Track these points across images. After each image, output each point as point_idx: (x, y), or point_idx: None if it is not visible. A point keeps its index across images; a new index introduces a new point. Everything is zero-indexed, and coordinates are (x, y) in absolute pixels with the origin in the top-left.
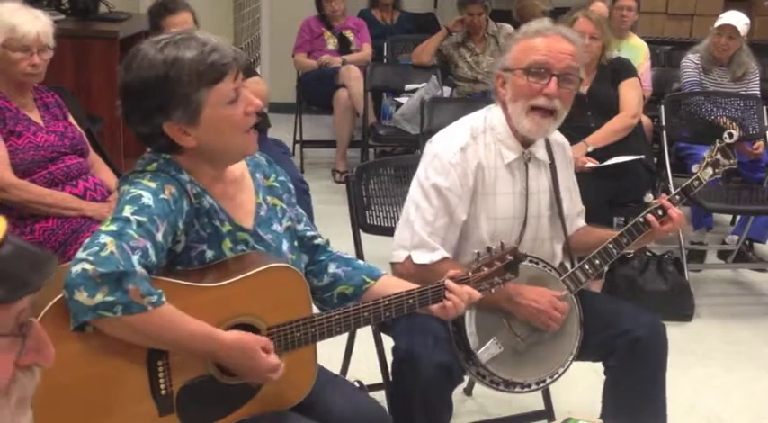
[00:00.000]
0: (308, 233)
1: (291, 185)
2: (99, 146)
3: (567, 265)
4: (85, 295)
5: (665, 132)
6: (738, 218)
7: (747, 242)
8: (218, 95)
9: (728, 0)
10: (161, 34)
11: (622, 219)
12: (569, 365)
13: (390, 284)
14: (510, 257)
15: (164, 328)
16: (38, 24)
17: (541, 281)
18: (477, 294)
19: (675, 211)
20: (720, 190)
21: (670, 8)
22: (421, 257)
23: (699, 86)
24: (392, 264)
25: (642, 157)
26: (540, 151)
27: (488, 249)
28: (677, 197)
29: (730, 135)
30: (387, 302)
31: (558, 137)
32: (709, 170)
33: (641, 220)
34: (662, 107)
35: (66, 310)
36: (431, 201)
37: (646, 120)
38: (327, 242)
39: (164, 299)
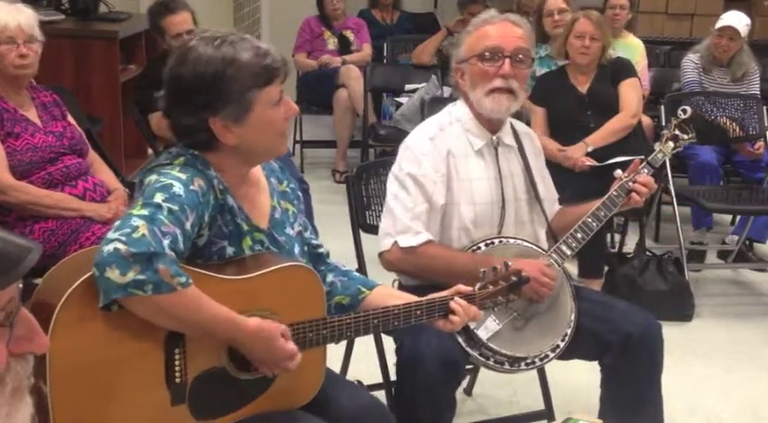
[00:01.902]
0: (313, 241)
1: (300, 194)
2: (99, 146)
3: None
4: (117, 273)
5: (664, 129)
6: (738, 218)
7: (747, 242)
8: (268, 97)
9: (728, 0)
10: (162, 34)
11: (623, 218)
12: (569, 339)
13: (385, 294)
14: (514, 278)
15: (190, 309)
16: (19, 16)
17: (528, 257)
18: (479, 316)
19: (642, 179)
20: (720, 190)
21: (670, 8)
22: (407, 241)
23: (699, 86)
24: (380, 254)
25: (642, 157)
26: (507, 137)
27: (494, 269)
28: (644, 170)
29: (684, 111)
30: (396, 311)
31: (523, 127)
32: (671, 144)
33: (614, 192)
34: (662, 107)
35: (92, 290)
36: (408, 189)
37: (646, 119)
38: (328, 253)
39: (191, 281)
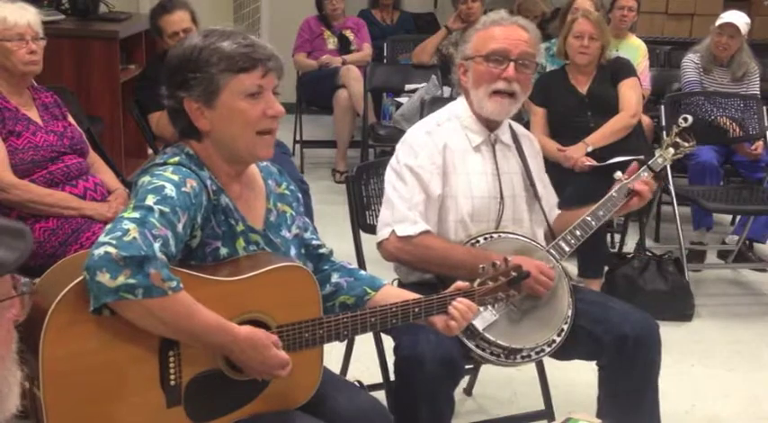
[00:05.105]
0: (314, 242)
1: (300, 195)
2: (99, 146)
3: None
4: (108, 277)
5: (665, 132)
6: (738, 218)
7: (747, 242)
8: (239, 85)
9: (728, 0)
10: (160, 34)
11: (622, 218)
12: (565, 335)
13: (391, 294)
14: (514, 274)
15: (180, 314)
16: (26, 14)
17: (527, 252)
18: (477, 311)
19: (642, 180)
20: (720, 190)
21: (670, 8)
22: (404, 230)
23: (699, 86)
24: (378, 244)
25: (642, 157)
26: (505, 135)
27: (493, 265)
28: (644, 174)
29: (685, 119)
30: (394, 309)
31: (522, 129)
32: (671, 150)
33: (614, 193)
34: (662, 107)
35: (84, 294)
36: (405, 180)
37: (646, 119)
38: (331, 252)
39: (182, 285)
